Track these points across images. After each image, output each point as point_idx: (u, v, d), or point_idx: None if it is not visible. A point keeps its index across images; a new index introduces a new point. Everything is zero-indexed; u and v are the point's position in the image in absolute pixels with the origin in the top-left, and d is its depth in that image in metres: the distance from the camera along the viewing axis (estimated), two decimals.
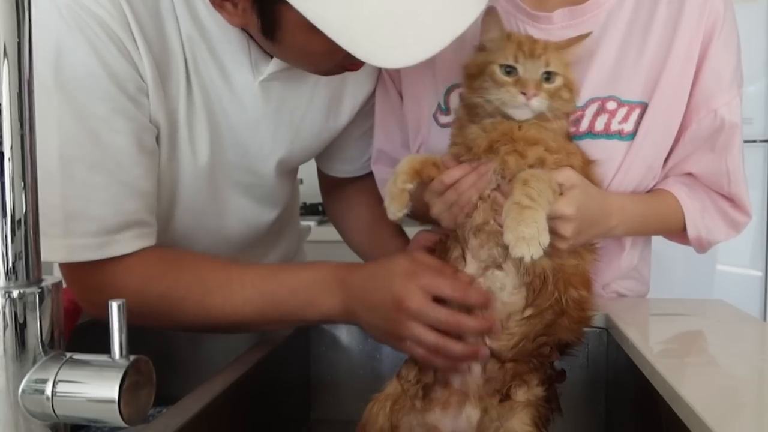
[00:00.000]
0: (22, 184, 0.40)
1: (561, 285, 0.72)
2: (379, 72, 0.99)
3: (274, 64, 0.82)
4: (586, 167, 0.78)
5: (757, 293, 2.27)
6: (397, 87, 0.99)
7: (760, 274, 2.27)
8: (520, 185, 0.68)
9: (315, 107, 0.91)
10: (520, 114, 0.73)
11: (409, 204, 0.77)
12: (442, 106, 0.93)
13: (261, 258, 1.04)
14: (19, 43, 0.39)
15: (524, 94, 0.72)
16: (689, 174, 0.91)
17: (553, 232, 0.68)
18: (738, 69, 0.87)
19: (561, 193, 0.71)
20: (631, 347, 0.70)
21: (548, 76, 0.74)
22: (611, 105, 0.86)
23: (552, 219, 0.68)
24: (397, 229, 1.05)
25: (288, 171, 1.01)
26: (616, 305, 0.86)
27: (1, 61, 0.39)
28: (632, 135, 0.85)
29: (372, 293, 0.72)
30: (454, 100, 0.91)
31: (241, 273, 0.77)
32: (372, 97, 1.00)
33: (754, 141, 2.25)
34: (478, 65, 0.76)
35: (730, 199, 0.91)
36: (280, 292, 0.76)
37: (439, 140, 0.87)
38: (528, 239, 0.64)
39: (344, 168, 1.09)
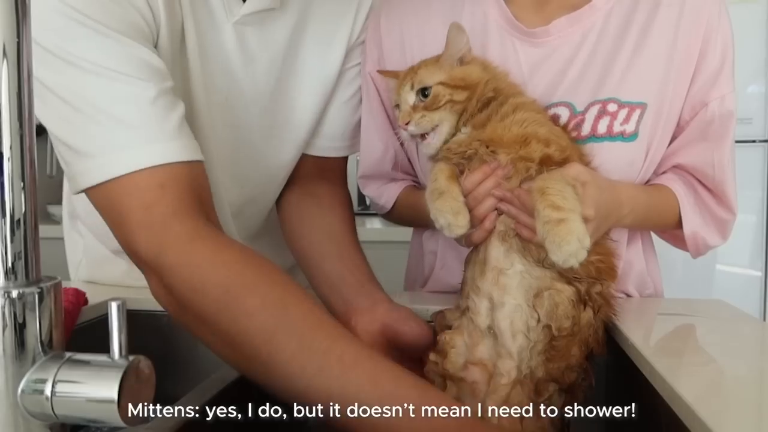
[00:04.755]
0: (22, 184, 0.40)
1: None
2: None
3: (247, 7, 0.81)
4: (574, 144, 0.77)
5: (756, 293, 2.27)
6: (382, 97, 0.96)
7: (759, 274, 2.27)
8: (539, 196, 0.65)
9: (294, 55, 0.89)
10: (422, 148, 0.75)
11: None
12: None
13: None
14: (19, 43, 0.39)
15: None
16: (677, 167, 0.91)
17: None
18: (732, 67, 0.88)
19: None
20: (631, 347, 0.69)
21: (425, 94, 0.72)
22: (612, 107, 0.86)
23: None
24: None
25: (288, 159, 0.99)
26: (615, 305, 0.86)
27: (0, 61, 0.39)
28: (635, 135, 0.86)
29: None
30: None
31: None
32: (353, 58, 0.97)
33: (754, 141, 2.24)
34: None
35: (716, 195, 0.91)
36: None
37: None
38: (574, 254, 0.63)
39: (325, 144, 0.99)
